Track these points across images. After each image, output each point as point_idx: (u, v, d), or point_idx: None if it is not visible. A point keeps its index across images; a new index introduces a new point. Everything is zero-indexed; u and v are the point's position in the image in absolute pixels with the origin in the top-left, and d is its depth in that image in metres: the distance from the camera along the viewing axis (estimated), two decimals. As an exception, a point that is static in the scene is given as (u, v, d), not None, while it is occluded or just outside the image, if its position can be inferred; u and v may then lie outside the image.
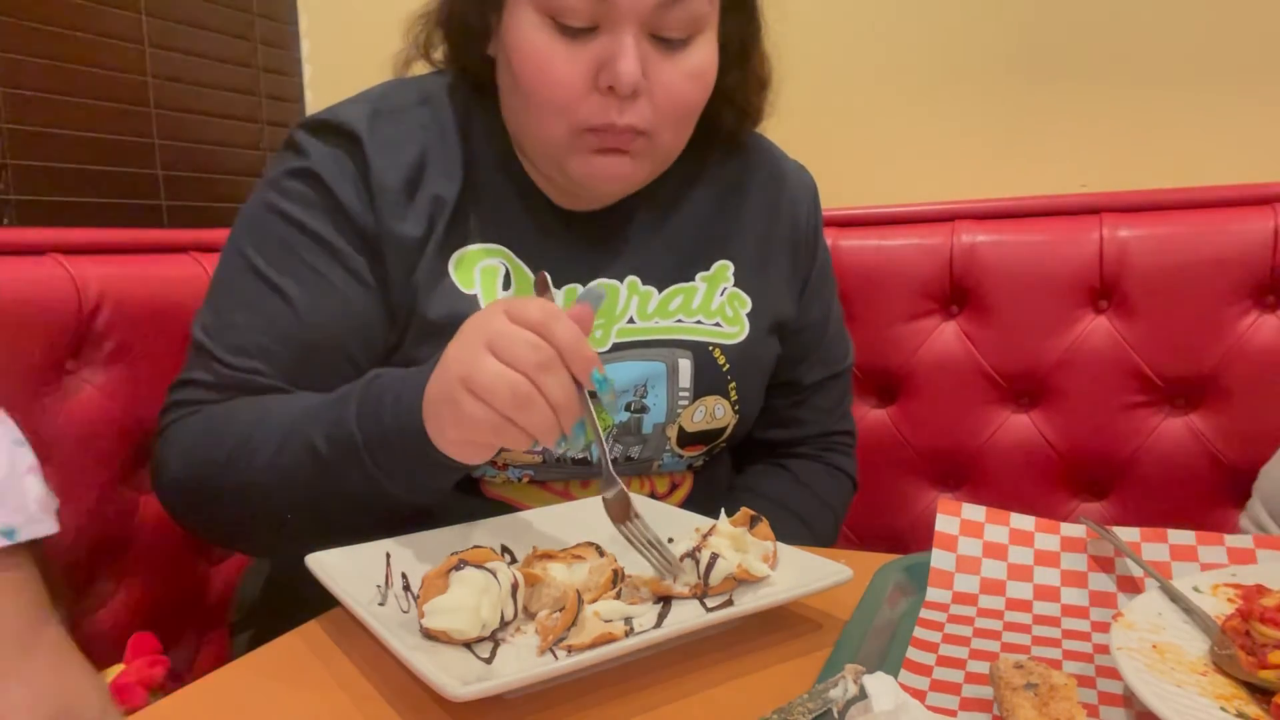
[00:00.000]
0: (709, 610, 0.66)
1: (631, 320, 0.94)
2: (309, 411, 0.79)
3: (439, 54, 0.98)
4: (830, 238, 1.17)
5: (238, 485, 0.81)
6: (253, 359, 0.86)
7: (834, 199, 1.17)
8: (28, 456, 0.76)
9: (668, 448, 0.96)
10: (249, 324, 0.87)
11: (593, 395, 0.70)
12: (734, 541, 0.70)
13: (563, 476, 0.95)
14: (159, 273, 1.14)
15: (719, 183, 1.02)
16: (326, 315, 0.88)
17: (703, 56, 0.86)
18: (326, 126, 0.90)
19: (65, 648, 0.73)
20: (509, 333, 0.67)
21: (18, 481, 0.73)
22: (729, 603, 0.67)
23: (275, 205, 0.89)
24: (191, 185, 1.59)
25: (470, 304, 0.89)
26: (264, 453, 0.79)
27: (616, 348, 0.93)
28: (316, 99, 1.83)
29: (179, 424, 0.86)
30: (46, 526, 0.73)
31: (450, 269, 0.90)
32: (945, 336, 1.37)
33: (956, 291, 1.36)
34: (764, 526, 0.73)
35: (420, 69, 0.99)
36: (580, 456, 0.93)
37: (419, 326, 0.89)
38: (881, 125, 1.53)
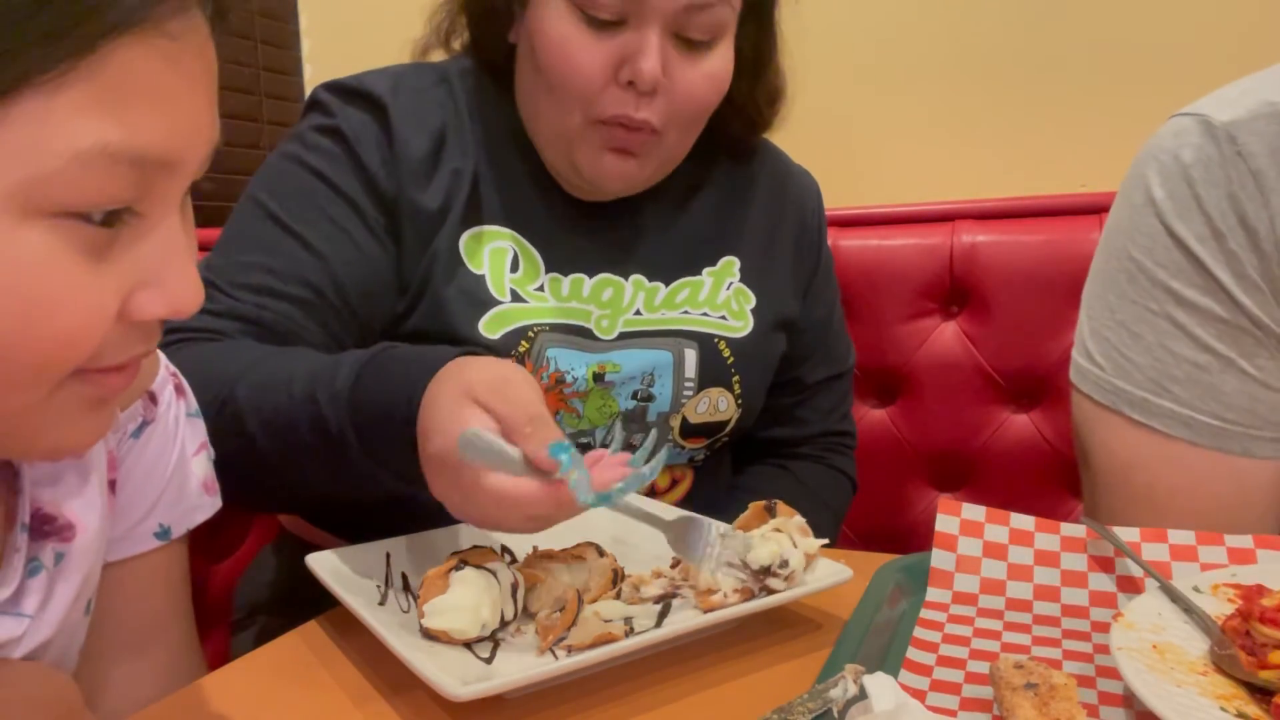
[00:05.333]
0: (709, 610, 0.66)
1: (638, 312, 0.95)
2: (305, 370, 0.72)
3: (458, 42, 0.99)
4: (830, 238, 1.17)
5: (221, 429, 0.73)
6: (259, 295, 0.84)
7: (834, 199, 1.17)
8: (199, 432, 0.71)
9: (670, 438, 0.97)
10: (261, 264, 0.85)
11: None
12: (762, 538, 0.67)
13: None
14: (159, 272, 1.13)
15: (726, 184, 1.03)
16: (340, 265, 0.86)
17: (722, 61, 0.88)
18: (354, 92, 0.90)
19: (185, 648, 0.72)
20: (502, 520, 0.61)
21: (184, 470, 0.68)
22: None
23: (299, 157, 0.89)
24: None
25: (478, 284, 0.89)
26: (253, 401, 0.72)
27: (623, 337, 0.94)
28: (316, 98, 1.83)
29: (170, 351, 0.76)
30: (202, 513, 0.70)
31: (461, 247, 0.90)
32: (945, 336, 1.37)
33: (956, 291, 1.36)
34: (782, 506, 0.70)
35: (437, 57, 1.00)
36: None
37: (431, 301, 0.88)
38: (881, 125, 1.53)
